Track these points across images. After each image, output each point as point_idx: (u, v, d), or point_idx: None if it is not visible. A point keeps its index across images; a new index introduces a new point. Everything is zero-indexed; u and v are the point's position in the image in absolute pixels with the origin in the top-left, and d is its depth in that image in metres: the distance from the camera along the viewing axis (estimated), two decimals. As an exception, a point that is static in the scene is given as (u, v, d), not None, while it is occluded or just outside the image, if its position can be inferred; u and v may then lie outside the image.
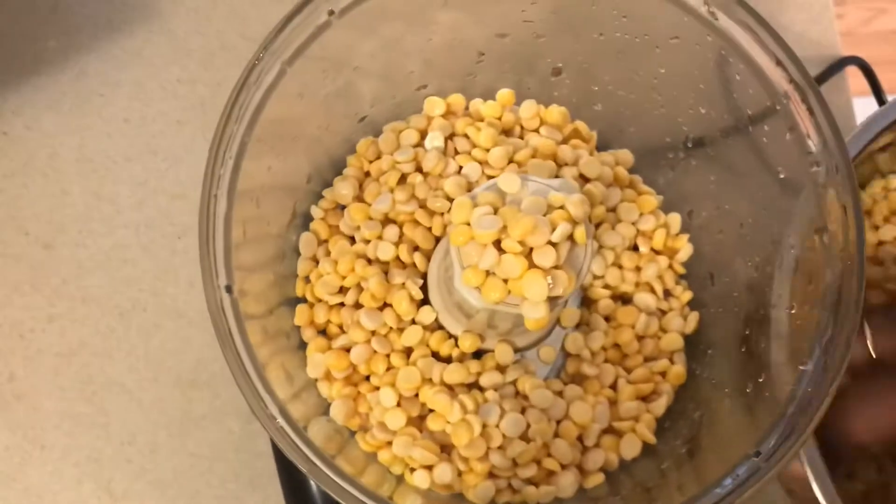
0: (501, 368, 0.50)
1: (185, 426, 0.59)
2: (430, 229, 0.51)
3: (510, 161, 0.52)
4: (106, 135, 0.63)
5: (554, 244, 0.41)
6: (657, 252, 0.54)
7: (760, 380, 0.45)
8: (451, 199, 0.50)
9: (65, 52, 0.65)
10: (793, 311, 0.44)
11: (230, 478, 0.59)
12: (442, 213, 0.51)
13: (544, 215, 0.42)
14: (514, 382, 0.50)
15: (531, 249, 0.42)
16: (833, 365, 0.40)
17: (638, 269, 0.53)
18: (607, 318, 0.53)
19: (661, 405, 0.50)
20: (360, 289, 0.50)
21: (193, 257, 0.40)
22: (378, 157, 0.54)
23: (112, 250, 0.62)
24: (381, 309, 0.50)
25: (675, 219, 0.54)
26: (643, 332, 0.52)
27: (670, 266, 0.53)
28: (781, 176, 0.46)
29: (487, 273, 0.42)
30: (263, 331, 0.43)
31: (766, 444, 0.41)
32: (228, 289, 0.40)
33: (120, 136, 0.63)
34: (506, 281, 0.42)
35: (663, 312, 0.53)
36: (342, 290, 0.51)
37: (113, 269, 0.61)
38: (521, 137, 0.55)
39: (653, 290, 0.53)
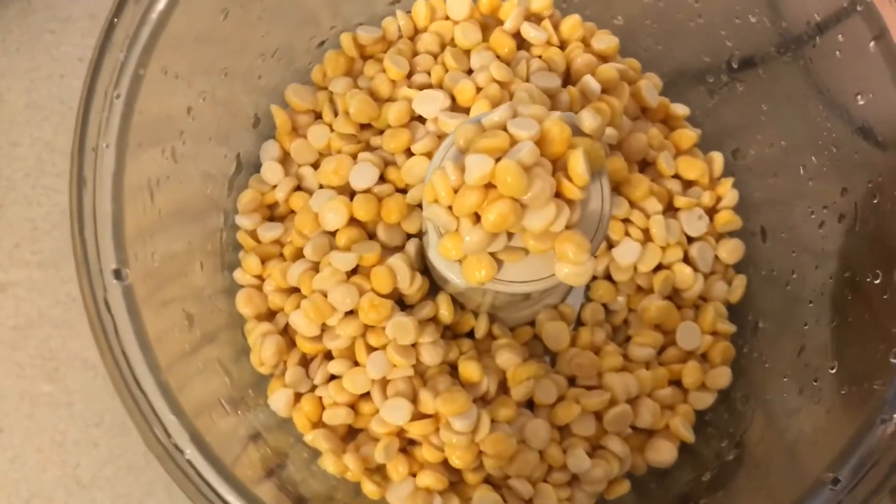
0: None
1: (157, 405, 0.50)
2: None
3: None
4: (58, 77, 0.55)
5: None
6: (695, 202, 0.43)
7: (832, 370, 0.32)
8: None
9: (7, -18, 0.57)
10: (878, 282, 0.32)
11: (209, 462, 0.50)
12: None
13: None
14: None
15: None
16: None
17: (670, 222, 0.42)
18: (638, 288, 0.42)
19: (703, 398, 0.38)
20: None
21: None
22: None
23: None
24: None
25: (716, 158, 0.44)
26: (679, 300, 0.42)
27: (711, 218, 0.43)
28: (860, 101, 0.34)
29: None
30: (185, 320, 0.31)
31: (846, 467, 0.28)
32: (118, 273, 0.28)
33: (74, 78, 0.54)
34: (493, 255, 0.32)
35: (704, 276, 0.42)
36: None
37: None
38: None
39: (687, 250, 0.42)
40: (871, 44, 0.32)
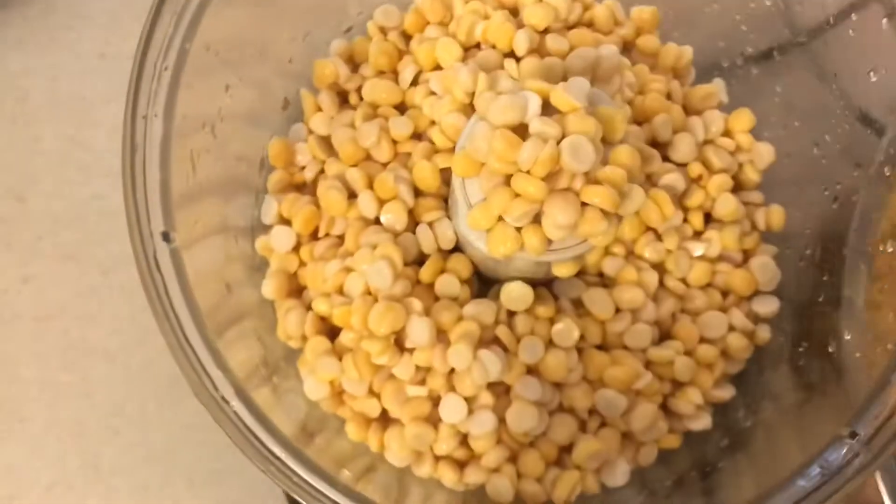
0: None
1: (176, 394, 0.51)
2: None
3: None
4: (80, 73, 0.55)
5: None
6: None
7: (847, 337, 0.33)
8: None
9: (29, -18, 0.57)
10: (890, 250, 0.33)
11: (227, 449, 0.50)
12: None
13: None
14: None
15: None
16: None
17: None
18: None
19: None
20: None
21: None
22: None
23: (91, 201, 0.54)
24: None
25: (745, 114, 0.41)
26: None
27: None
28: (873, 79, 0.35)
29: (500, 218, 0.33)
30: (224, 288, 0.32)
31: (864, 422, 0.29)
32: (166, 236, 0.29)
33: (95, 75, 0.55)
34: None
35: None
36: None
37: (92, 223, 0.53)
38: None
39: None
40: (885, 21, 0.33)
